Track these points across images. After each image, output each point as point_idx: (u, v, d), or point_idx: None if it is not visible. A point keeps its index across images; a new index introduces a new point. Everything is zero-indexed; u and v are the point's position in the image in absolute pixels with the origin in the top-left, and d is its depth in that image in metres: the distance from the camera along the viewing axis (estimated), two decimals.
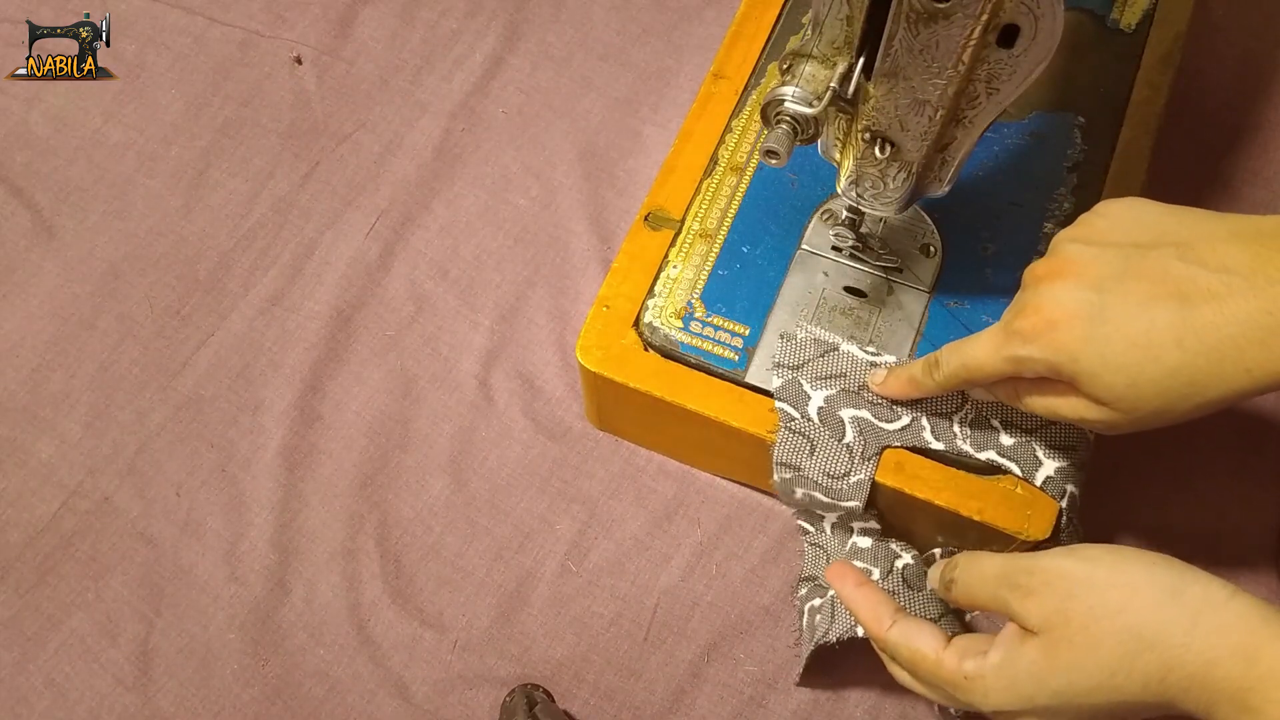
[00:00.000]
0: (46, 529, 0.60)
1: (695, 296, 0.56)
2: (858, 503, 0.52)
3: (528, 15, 0.76)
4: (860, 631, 0.50)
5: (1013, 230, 0.57)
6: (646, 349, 0.55)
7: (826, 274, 0.56)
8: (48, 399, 0.64)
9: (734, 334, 0.55)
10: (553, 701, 0.55)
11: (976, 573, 0.44)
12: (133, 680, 0.57)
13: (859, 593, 0.49)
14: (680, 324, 0.55)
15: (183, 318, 0.66)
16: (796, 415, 0.53)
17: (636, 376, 0.55)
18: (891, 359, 0.54)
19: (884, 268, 0.56)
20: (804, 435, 0.53)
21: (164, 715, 0.56)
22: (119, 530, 0.60)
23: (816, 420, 0.53)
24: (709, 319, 0.55)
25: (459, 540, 0.60)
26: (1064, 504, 0.51)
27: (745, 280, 0.56)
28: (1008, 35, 0.40)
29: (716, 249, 0.57)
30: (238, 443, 0.62)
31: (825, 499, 0.53)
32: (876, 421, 0.53)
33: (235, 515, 0.61)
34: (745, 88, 0.62)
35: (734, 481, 0.61)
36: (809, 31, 0.43)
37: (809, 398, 0.53)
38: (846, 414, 0.53)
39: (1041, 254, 0.56)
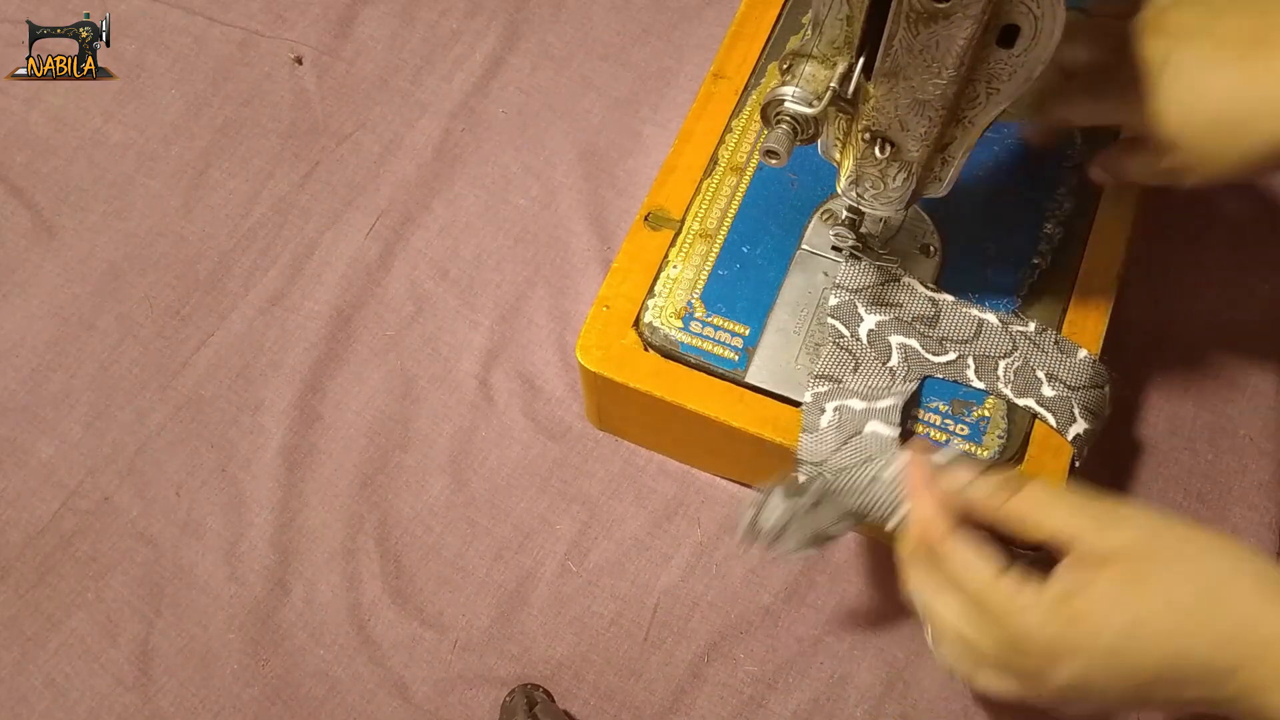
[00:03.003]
0: (46, 529, 0.60)
1: (695, 296, 0.56)
2: (896, 401, 0.52)
3: (528, 15, 0.75)
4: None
5: (1013, 230, 0.57)
6: (646, 349, 0.55)
7: (826, 274, 0.56)
8: (48, 399, 0.64)
9: (734, 334, 0.55)
10: (553, 701, 0.55)
11: (1049, 494, 0.42)
12: (133, 680, 0.57)
13: (929, 492, 0.44)
14: (680, 324, 0.55)
15: (183, 318, 0.66)
16: (846, 334, 0.54)
17: (636, 376, 0.55)
18: (950, 298, 0.54)
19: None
20: (850, 352, 0.54)
21: (164, 715, 0.56)
22: (119, 530, 0.60)
23: (865, 342, 0.54)
24: (709, 319, 0.55)
25: (459, 540, 0.60)
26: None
27: (745, 280, 0.56)
28: (1008, 35, 0.40)
29: (716, 249, 0.57)
30: (238, 443, 0.62)
31: (860, 404, 0.52)
32: (923, 352, 0.54)
33: (235, 515, 0.61)
34: (745, 88, 0.62)
35: (734, 481, 0.61)
36: (809, 31, 0.43)
37: (862, 319, 0.54)
38: (895, 340, 0.54)
39: (1041, 254, 0.56)
